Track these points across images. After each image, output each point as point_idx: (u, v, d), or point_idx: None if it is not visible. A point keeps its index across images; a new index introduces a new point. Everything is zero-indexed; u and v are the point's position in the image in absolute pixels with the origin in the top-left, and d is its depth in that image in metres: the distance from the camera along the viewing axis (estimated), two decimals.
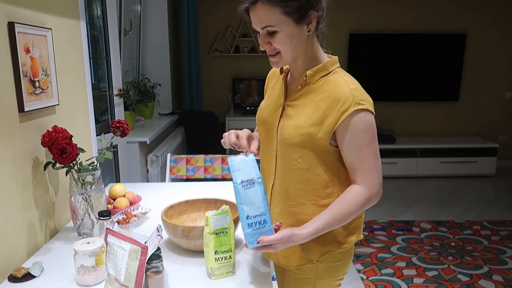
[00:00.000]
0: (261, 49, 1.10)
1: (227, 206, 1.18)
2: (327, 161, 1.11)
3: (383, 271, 2.71)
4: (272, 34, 1.05)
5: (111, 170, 2.77)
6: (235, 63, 5.08)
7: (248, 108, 4.89)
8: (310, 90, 1.12)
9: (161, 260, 1.10)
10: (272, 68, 1.29)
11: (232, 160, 1.08)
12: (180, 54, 4.81)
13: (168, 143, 3.57)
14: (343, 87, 1.06)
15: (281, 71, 1.24)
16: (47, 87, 1.50)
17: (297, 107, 1.13)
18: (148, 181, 3.19)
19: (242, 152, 1.15)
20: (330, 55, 1.17)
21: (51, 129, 1.40)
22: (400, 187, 4.48)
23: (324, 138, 1.07)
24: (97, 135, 1.96)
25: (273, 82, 1.30)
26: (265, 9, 1.01)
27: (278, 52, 1.08)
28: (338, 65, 1.15)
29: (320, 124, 1.07)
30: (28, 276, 1.22)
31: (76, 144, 1.38)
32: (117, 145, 2.68)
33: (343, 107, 1.04)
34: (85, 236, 1.48)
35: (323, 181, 1.12)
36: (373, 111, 1.07)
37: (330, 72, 1.11)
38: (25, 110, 1.35)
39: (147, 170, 3.17)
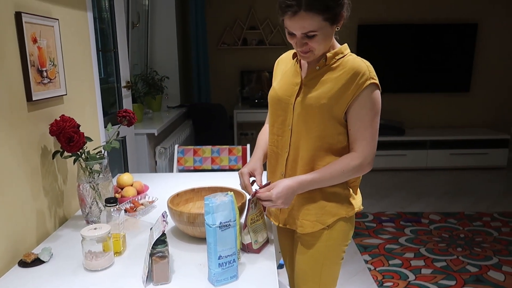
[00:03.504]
0: (298, 49, 1.21)
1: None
2: (339, 131, 1.23)
3: (391, 262, 2.70)
4: (311, 37, 1.14)
5: (120, 162, 2.80)
6: (243, 55, 5.07)
7: (256, 101, 4.89)
8: (329, 69, 1.23)
9: (166, 245, 1.12)
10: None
11: (211, 201, 1.09)
12: (188, 47, 4.82)
13: (176, 135, 3.59)
14: (361, 63, 1.19)
15: (294, 56, 1.33)
16: (55, 77, 1.52)
17: (316, 83, 1.23)
18: (157, 173, 3.21)
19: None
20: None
21: (59, 118, 1.42)
22: (409, 179, 4.45)
23: (341, 110, 1.20)
24: (105, 127, 1.98)
25: (284, 67, 1.38)
26: (307, 17, 1.11)
27: (311, 49, 1.18)
28: (349, 50, 1.27)
29: (338, 97, 1.18)
30: (37, 261, 1.25)
31: (83, 133, 1.40)
32: (125, 136, 2.71)
33: (361, 80, 1.17)
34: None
35: (333, 150, 1.24)
36: (380, 89, 1.21)
37: (345, 55, 1.24)
38: (33, 99, 1.37)
39: (156, 162, 3.20)
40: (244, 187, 1.34)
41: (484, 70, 5.03)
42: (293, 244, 1.43)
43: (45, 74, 1.45)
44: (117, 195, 1.76)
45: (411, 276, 2.53)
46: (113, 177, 1.82)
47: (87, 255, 1.20)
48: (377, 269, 2.63)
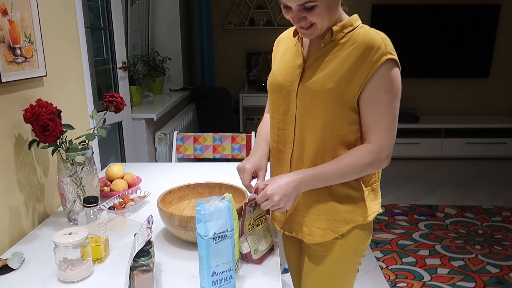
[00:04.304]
0: (297, 25, 1.01)
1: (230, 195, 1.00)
2: (352, 120, 1.02)
3: (404, 260, 2.53)
4: (309, 9, 0.95)
5: (116, 149, 2.63)
6: (250, 36, 4.83)
7: (263, 84, 4.67)
8: (336, 46, 1.02)
9: (151, 257, 0.95)
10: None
11: (203, 208, 0.90)
12: (191, 27, 4.58)
13: (178, 120, 3.40)
14: (374, 35, 0.97)
15: (295, 33, 1.11)
16: (31, 55, 1.33)
17: (321, 64, 1.02)
18: (156, 160, 3.05)
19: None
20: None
21: (35, 103, 1.24)
22: (422, 169, 4.24)
23: (353, 94, 0.99)
24: (98, 112, 1.80)
25: (284, 47, 1.17)
26: None
27: (313, 24, 0.99)
28: (361, 21, 1.06)
29: (349, 78, 0.98)
30: (5, 269, 1.09)
31: (60, 120, 1.22)
32: (121, 121, 2.53)
33: (375, 56, 0.95)
34: (76, 223, 1.34)
35: (344, 142, 1.04)
36: (400, 66, 0.99)
37: (355, 28, 1.02)
38: (3, 80, 1.19)
39: (155, 148, 3.02)
40: (245, 186, 1.14)
41: (505, 55, 4.74)
42: (300, 253, 1.24)
43: (18, 52, 1.26)
44: (106, 188, 1.59)
45: (427, 276, 2.36)
46: (107, 166, 1.65)
47: (61, 264, 1.03)
48: (389, 267, 2.45)
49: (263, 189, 1.03)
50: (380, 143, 1.00)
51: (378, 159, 1.01)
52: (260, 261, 1.09)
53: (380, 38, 0.97)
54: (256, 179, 1.14)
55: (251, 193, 1.09)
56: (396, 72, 0.98)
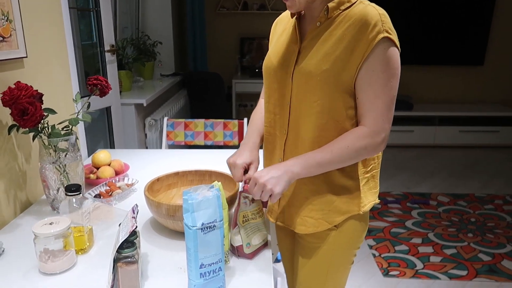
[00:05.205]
0: None
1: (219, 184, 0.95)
2: (349, 105, 0.97)
3: (397, 248, 2.51)
4: None
5: (105, 135, 2.56)
6: (243, 21, 4.73)
7: (257, 70, 4.58)
8: (332, 24, 0.96)
9: (136, 248, 0.90)
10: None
11: (191, 197, 0.85)
12: (183, 10, 4.47)
13: (169, 106, 3.33)
14: (371, 11, 0.91)
15: (293, 14, 1.04)
16: (10, 35, 1.26)
17: (316, 44, 0.97)
18: (147, 147, 2.98)
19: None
20: None
21: (14, 86, 1.17)
22: (416, 156, 4.23)
23: (351, 76, 0.93)
24: (83, 96, 1.73)
25: (281, 29, 1.12)
26: None
27: None
28: None
29: (345, 59, 0.92)
30: None
31: (40, 104, 1.15)
32: (110, 107, 2.45)
33: (372, 34, 0.89)
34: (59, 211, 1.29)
35: (341, 129, 0.99)
36: (399, 48, 0.94)
37: (353, 4, 0.96)
38: None
39: (145, 135, 2.96)
40: (237, 181, 1.08)
41: (500, 42, 4.70)
42: (293, 244, 1.20)
43: None
44: (92, 175, 1.53)
45: (419, 264, 2.35)
46: (94, 153, 1.59)
47: (42, 255, 0.98)
48: (382, 255, 2.44)
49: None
50: (376, 126, 0.95)
51: (373, 142, 0.95)
52: (251, 255, 1.04)
53: (377, 14, 0.90)
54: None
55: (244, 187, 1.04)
56: (394, 51, 0.92)
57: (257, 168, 1.08)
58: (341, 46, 0.92)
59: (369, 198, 1.07)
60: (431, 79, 4.87)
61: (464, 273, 2.27)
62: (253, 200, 1.04)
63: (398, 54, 0.93)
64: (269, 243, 1.11)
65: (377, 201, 1.10)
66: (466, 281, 2.20)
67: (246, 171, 1.07)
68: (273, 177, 0.92)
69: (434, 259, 2.40)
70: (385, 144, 0.97)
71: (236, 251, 1.04)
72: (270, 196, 0.93)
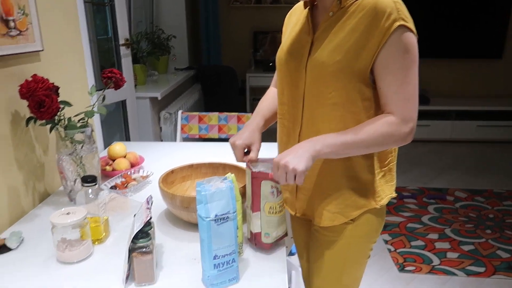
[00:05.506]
0: None
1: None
2: (364, 95, 0.95)
3: (412, 243, 2.48)
4: None
5: (120, 128, 2.58)
6: (256, 15, 4.70)
7: (271, 64, 4.56)
8: (345, 14, 0.93)
9: (150, 239, 0.90)
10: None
11: (204, 188, 0.85)
12: (197, 4, 4.47)
13: (183, 99, 3.34)
14: (386, 0, 0.88)
15: (306, 5, 1.03)
16: (26, 29, 1.27)
17: (329, 35, 0.95)
18: (162, 140, 3.00)
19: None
20: None
21: (31, 79, 1.18)
22: (432, 151, 4.16)
23: (365, 66, 0.91)
24: (98, 90, 1.75)
25: (295, 20, 1.10)
26: None
27: None
28: None
29: (359, 49, 0.90)
30: (3, 249, 1.05)
31: (56, 97, 1.16)
32: (125, 100, 2.47)
33: (387, 23, 0.87)
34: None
35: (357, 121, 0.96)
36: (416, 34, 0.91)
37: None
38: None
39: (160, 128, 2.98)
40: (238, 162, 1.09)
41: None
42: (309, 237, 1.19)
43: (12, 24, 1.20)
44: (108, 167, 1.55)
45: (436, 260, 2.31)
46: (110, 145, 1.61)
47: (60, 244, 1.00)
48: (397, 250, 2.41)
49: (255, 161, 0.99)
50: (403, 114, 0.90)
51: (401, 131, 0.91)
52: (268, 246, 1.03)
53: (391, 2, 0.88)
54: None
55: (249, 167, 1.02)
56: (412, 37, 0.89)
57: (258, 149, 1.07)
58: (354, 36, 0.90)
59: (386, 191, 1.05)
60: (448, 72, 4.78)
61: (482, 269, 2.23)
62: (280, 191, 1.01)
63: (416, 42, 0.90)
64: (289, 234, 1.10)
65: (394, 194, 1.08)
66: (484, 278, 2.16)
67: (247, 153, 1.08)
68: (294, 156, 0.88)
69: (451, 255, 2.37)
70: (412, 136, 0.93)
71: (253, 238, 1.02)
72: (295, 178, 0.89)
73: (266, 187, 0.98)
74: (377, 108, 0.96)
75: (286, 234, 1.08)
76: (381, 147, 0.94)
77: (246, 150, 1.09)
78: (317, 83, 0.97)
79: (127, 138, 2.59)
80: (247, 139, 1.07)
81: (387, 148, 0.98)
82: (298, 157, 0.88)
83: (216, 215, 0.85)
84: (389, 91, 0.91)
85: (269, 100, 1.19)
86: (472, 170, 3.66)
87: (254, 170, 0.99)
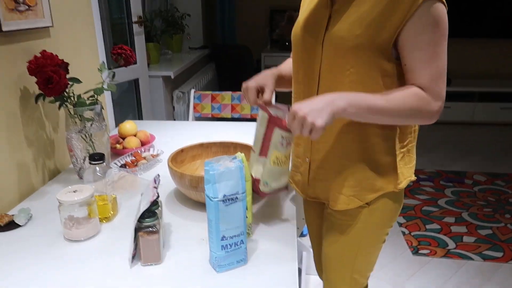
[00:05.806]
0: None
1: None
2: (385, 72, 0.89)
3: (428, 226, 2.43)
4: None
5: (133, 106, 2.57)
6: None
7: (287, 43, 4.47)
8: None
9: (157, 218, 0.89)
10: None
11: (212, 168, 0.81)
12: None
13: (197, 79, 3.31)
14: None
15: None
16: (35, 3, 1.25)
17: (349, 8, 0.89)
18: (175, 119, 2.99)
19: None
20: None
21: (40, 55, 1.17)
22: (453, 134, 4.05)
23: (388, 38, 0.85)
24: (108, 68, 1.73)
25: None
26: None
27: None
28: None
29: (382, 22, 0.84)
30: (12, 225, 1.06)
31: (65, 73, 1.14)
32: (138, 79, 2.45)
33: None
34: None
35: None
36: (446, 5, 0.84)
37: None
38: (4, 29, 1.12)
39: (173, 107, 2.96)
40: (252, 105, 1.03)
41: None
42: (321, 219, 1.16)
43: None
44: (118, 145, 1.54)
45: (451, 244, 2.27)
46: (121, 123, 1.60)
47: (67, 222, 0.99)
48: (412, 233, 2.37)
49: (269, 104, 0.94)
50: (434, 89, 0.84)
51: (430, 108, 0.85)
52: (264, 195, 1.00)
53: None
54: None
55: (263, 109, 0.97)
56: (442, 8, 0.82)
57: (272, 92, 1.02)
58: (377, 8, 0.84)
59: (405, 174, 1.00)
60: (470, 52, 4.60)
61: (499, 254, 2.17)
62: (289, 143, 0.96)
63: (446, 12, 0.83)
64: (289, 188, 1.07)
65: (413, 177, 1.02)
66: (502, 263, 2.11)
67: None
68: (314, 109, 0.80)
69: (468, 239, 2.31)
70: (439, 116, 0.87)
71: (252, 181, 0.98)
72: (311, 131, 0.81)
73: (276, 135, 0.93)
74: (399, 85, 0.90)
75: (286, 188, 1.05)
76: (405, 121, 0.89)
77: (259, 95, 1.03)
78: (335, 60, 0.91)
79: (140, 117, 2.58)
80: (261, 80, 1.02)
81: (410, 124, 0.93)
82: (318, 111, 0.80)
83: (224, 196, 0.82)
84: (416, 67, 0.85)
85: (289, 64, 1.13)
86: (493, 154, 3.55)
87: (272, 113, 0.94)
